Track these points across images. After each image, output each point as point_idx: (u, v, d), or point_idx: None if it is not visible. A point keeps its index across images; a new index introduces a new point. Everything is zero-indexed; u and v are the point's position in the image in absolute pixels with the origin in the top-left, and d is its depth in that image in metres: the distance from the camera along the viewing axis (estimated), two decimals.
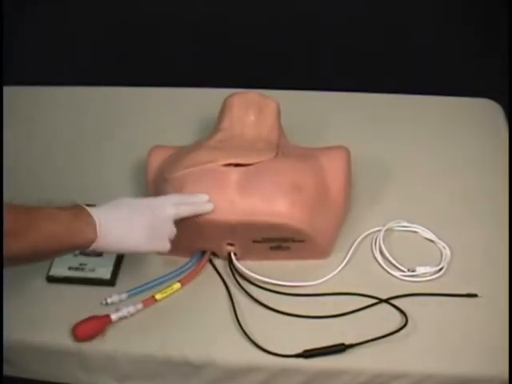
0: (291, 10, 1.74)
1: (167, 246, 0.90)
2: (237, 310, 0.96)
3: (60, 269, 1.01)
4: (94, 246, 0.83)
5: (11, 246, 0.75)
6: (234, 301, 0.97)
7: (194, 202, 0.94)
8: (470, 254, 1.03)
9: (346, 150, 1.07)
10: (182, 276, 1.00)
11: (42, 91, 1.40)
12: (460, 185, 1.15)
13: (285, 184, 0.96)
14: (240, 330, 0.93)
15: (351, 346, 0.90)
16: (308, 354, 0.90)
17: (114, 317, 0.94)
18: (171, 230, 0.90)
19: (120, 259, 1.03)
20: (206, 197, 0.95)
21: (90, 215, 0.83)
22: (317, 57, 1.78)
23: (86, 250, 0.83)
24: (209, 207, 0.94)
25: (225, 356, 0.92)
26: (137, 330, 0.94)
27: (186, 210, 0.92)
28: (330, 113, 1.31)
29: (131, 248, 0.87)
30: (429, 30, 1.72)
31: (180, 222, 0.93)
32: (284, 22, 1.75)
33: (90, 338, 0.92)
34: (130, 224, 0.86)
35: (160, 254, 0.93)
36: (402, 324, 0.93)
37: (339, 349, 0.90)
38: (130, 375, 0.95)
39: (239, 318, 0.94)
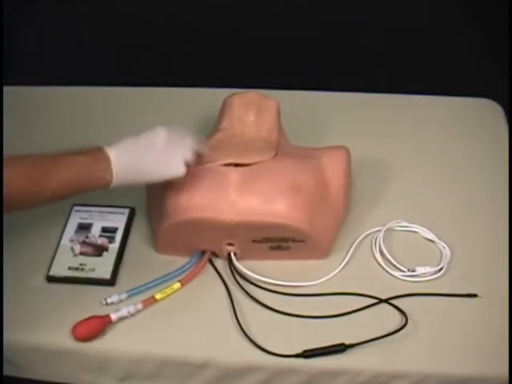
0: (291, 10, 1.74)
1: (181, 170, 0.90)
2: (237, 310, 0.96)
3: (60, 269, 1.01)
4: (112, 186, 0.87)
5: (33, 197, 0.81)
6: (234, 301, 0.97)
7: (200, 142, 0.96)
8: (470, 254, 1.03)
9: (346, 150, 1.07)
10: (181, 276, 1.00)
11: (42, 91, 1.40)
12: (460, 185, 1.15)
13: (285, 184, 0.96)
14: (240, 330, 0.93)
15: (351, 345, 0.90)
16: (308, 354, 0.90)
17: (113, 317, 0.94)
18: (188, 155, 0.91)
19: (120, 259, 1.03)
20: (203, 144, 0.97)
21: (106, 158, 0.87)
22: (317, 57, 1.78)
23: (106, 189, 0.88)
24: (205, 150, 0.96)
25: (225, 356, 0.92)
26: (137, 330, 0.94)
27: (195, 145, 0.93)
28: (330, 113, 1.31)
29: (148, 178, 0.90)
30: (429, 30, 1.72)
31: (180, 223, 0.93)
32: (284, 22, 1.75)
33: (90, 338, 0.92)
34: (145, 155, 0.89)
35: (176, 181, 0.93)
36: (402, 324, 0.93)
37: (339, 349, 0.90)
38: (130, 375, 0.95)
39: (239, 318, 0.94)
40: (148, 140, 0.91)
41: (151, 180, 0.92)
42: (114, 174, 0.87)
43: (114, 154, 0.88)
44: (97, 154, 0.88)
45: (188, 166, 0.91)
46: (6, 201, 0.77)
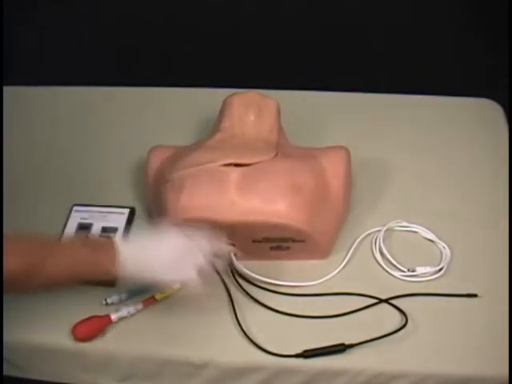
0: (291, 11, 1.74)
1: (193, 278, 0.85)
2: (237, 310, 0.96)
3: None
4: (114, 276, 0.83)
5: (28, 283, 0.76)
6: (234, 301, 0.97)
7: (217, 243, 0.91)
8: (470, 254, 1.03)
9: (346, 150, 1.07)
10: None
11: (42, 91, 1.40)
12: (460, 185, 1.15)
13: (284, 184, 0.96)
14: (240, 330, 0.93)
15: (351, 345, 0.90)
16: (308, 354, 0.90)
17: (113, 317, 0.94)
18: (200, 261, 0.86)
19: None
20: (225, 244, 0.93)
21: (111, 247, 0.83)
22: (317, 57, 1.79)
23: (110, 277, 0.84)
24: (228, 248, 0.94)
25: (225, 356, 0.92)
26: (137, 330, 0.94)
27: (210, 246, 0.89)
28: (330, 113, 1.31)
29: (154, 276, 0.85)
30: (429, 30, 1.72)
31: (180, 223, 0.93)
32: (284, 22, 1.75)
33: (90, 338, 0.92)
34: (155, 253, 0.85)
35: (188, 287, 0.87)
36: (402, 324, 0.93)
37: (339, 349, 0.90)
38: (130, 375, 0.95)
39: (239, 318, 0.94)
40: (160, 239, 0.87)
41: (158, 281, 0.87)
42: (120, 266, 0.82)
43: (123, 246, 0.83)
44: (104, 244, 0.84)
45: (201, 272, 0.86)
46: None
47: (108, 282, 0.98)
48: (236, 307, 0.96)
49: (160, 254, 0.85)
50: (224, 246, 0.92)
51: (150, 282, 0.88)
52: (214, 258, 0.89)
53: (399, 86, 1.35)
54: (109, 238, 0.85)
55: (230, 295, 0.98)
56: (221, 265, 0.92)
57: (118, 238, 0.86)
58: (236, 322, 0.94)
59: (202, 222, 0.95)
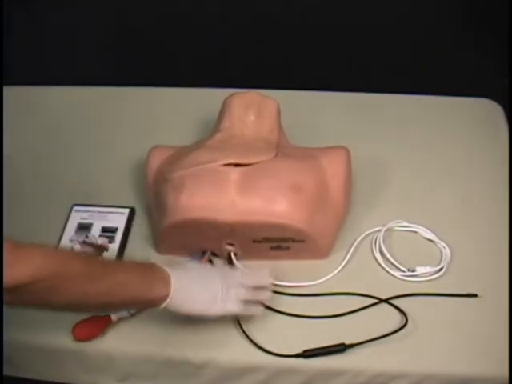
0: (291, 10, 1.74)
1: (237, 308, 0.87)
2: None
3: None
4: (166, 303, 0.83)
5: (88, 289, 0.75)
6: None
7: (258, 275, 0.93)
8: (470, 253, 1.03)
9: (346, 150, 1.07)
10: None
11: (41, 91, 1.40)
12: (460, 185, 1.15)
13: (284, 184, 0.96)
14: (240, 330, 0.93)
15: (351, 345, 0.90)
16: (308, 354, 0.90)
17: (113, 317, 0.94)
18: (239, 293, 0.88)
19: (120, 259, 1.03)
20: (266, 272, 0.93)
21: (163, 270, 0.83)
22: (317, 57, 1.79)
23: (159, 307, 0.83)
24: (269, 280, 0.93)
25: (225, 356, 0.92)
26: (137, 330, 0.94)
27: (251, 280, 0.91)
28: (329, 113, 1.31)
29: (202, 310, 0.86)
30: (429, 30, 1.72)
31: (180, 223, 0.93)
32: (284, 22, 1.75)
33: (90, 338, 0.92)
34: (201, 285, 0.86)
35: (232, 316, 0.90)
36: (402, 324, 0.93)
37: (339, 349, 0.90)
38: (130, 375, 0.95)
39: (239, 318, 0.94)
40: (204, 273, 0.89)
41: (204, 315, 0.87)
42: (172, 293, 0.82)
43: (174, 275, 0.84)
44: (157, 270, 0.84)
45: (244, 304, 0.88)
46: (62, 283, 0.73)
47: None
48: None
49: (205, 290, 0.86)
50: (265, 280, 0.92)
51: (195, 315, 0.86)
52: (256, 290, 0.90)
53: (399, 85, 1.34)
54: (156, 265, 0.85)
55: None
56: (266, 295, 0.92)
57: (168, 268, 0.85)
58: (236, 322, 0.94)
59: (201, 222, 0.95)
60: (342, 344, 0.90)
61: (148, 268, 0.84)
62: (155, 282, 0.82)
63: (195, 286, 0.85)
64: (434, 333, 0.93)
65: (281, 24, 1.75)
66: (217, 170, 0.98)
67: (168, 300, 0.83)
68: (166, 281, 0.83)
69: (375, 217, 1.09)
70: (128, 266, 0.84)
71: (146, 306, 0.87)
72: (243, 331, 0.93)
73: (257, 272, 0.94)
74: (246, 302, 0.89)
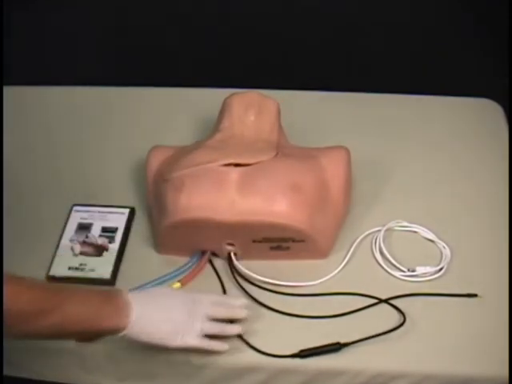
0: (291, 10, 1.74)
1: (197, 343, 0.85)
2: None
3: (60, 269, 1.01)
4: (125, 333, 0.81)
5: (39, 324, 0.74)
6: None
7: (231, 305, 0.91)
8: (470, 254, 1.03)
9: (346, 150, 1.07)
10: (181, 276, 1.00)
11: (41, 91, 1.40)
12: (460, 185, 1.15)
13: (284, 184, 0.96)
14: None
15: (346, 344, 0.90)
16: (304, 353, 0.90)
17: None
18: (204, 327, 0.86)
19: (120, 259, 1.03)
20: (242, 301, 0.92)
21: (123, 299, 0.81)
22: (317, 57, 1.78)
23: (116, 336, 0.81)
24: (243, 313, 0.91)
25: (225, 356, 0.92)
26: None
27: (222, 312, 0.89)
28: (329, 113, 1.31)
29: (162, 340, 0.83)
30: (429, 30, 1.72)
31: (180, 223, 0.93)
32: (284, 22, 1.75)
33: (90, 338, 0.92)
34: (164, 315, 0.84)
35: (192, 349, 0.87)
36: (400, 323, 0.93)
37: (334, 348, 0.90)
38: (130, 375, 0.95)
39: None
40: (170, 300, 0.86)
41: (164, 346, 0.84)
42: (132, 322, 0.81)
43: (136, 302, 0.82)
44: (115, 296, 0.82)
45: (206, 338, 0.86)
46: (6, 321, 0.70)
47: (104, 282, 0.98)
48: None
49: (168, 321, 0.84)
50: (239, 313, 0.91)
51: (156, 344, 0.84)
52: (226, 324, 0.89)
53: (399, 85, 1.34)
54: (118, 291, 0.83)
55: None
56: (236, 330, 0.90)
57: (129, 293, 0.83)
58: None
59: (201, 222, 0.95)
60: (338, 343, 0.90)
61: (106, 297, 0.81)
62: (111, 314, 0.80)
63: (158, 315, 0.83)
64: (433, 333, 0.93)
65: (281, 24, 1.75)
66: (217, 170, 0.98)
67: (126, 331, 0.81)
68: (123, 311, 0.81)
69: (375, 217, 1.09)
70: (83, 296, 0.80)
71: (103, 335, 0.84)
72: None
73: (231, 302, 0.92)
74: (212, 336, 0.87)
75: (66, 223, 1.08)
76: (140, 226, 1.10)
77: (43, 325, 0.75)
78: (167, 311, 0.84)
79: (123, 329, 0.81)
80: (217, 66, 1.77)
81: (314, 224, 0.98)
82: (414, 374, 0.90)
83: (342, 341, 0.90)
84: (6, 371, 0.94)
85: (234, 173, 0.97)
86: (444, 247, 1.03)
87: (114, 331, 0.81)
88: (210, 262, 1.03)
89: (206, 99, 1.27)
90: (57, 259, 1.02)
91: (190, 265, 1.02)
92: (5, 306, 0.70)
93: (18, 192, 1.14)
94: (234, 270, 1.00)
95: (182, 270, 1.01)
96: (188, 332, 0.84)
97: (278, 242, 0.99)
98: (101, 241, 1.05)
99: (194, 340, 0.85)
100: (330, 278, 1.00)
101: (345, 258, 1.03)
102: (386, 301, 0.97)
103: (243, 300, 0.93)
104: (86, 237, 1.06)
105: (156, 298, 0.86)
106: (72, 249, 1.04)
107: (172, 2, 1.77)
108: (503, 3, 1.56)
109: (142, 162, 1.12)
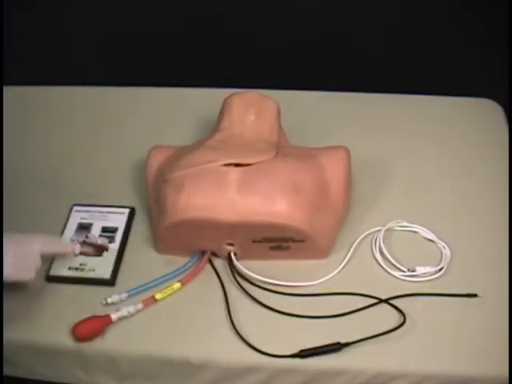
0: (291, 10, 1.73)
1: (31, 276, 0.89)
2: (237, 310, 0.96)
3: (60, 269, 1.01)
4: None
5: None
6: (231, 301, 0.97)
7: (60, 242, 1.00)
8: (470, 253, 1.03)
9: (346, 150, 1.07)
10: (181, 276, 1.00)
11: (41, 91, 1.40)
12: (460, 185, 1.15)
13: (285, 184, 0.96)
14: (234, 331, 0.93)
15: (347, 344, 0.90)
16: (304, 353, 0.90)
17: (113, 317, 0.94)
18: (36, 263, 0.90)
19: (120, 259, 1.03)
20: (68, 239, 1.02)
21: None
22: (317, 57, 1.78)
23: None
24: (75, 248, 1.01)
25: (225, 356, 0.92)
26: (137, 330, 0.94)
27: (51, 248, 0.95)
28: (329, 113, 1.31)
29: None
30: (429, 30, 1.72)
31: (180, 223, 0.93)
32: (284, 22, 1.75)
33: (90, 338, 0.93)
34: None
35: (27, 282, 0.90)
36: (400, 323, 0.93)
37: (335, 348, 0.90)
38: (129, 375, 0.95)
39: (233, 319, 0.94)
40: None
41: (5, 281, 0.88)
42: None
43: None
44: None
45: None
46: None
47: (104, 282, 0.99)
48: (234, 307, 0.96)
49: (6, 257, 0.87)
50: (63, 246, 0.99)
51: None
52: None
53: (399, 85, 1.34)
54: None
55: (225, 295, 0.98)
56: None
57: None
58: (230, 322, 0.94)
59: (201, 222, 0.95)
60: (338, 343, 0.90)
61: None
62: None
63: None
64: (433, 333, 0.93)
65: (281, 24, 1.75)
66: (217, 169, 0.98)
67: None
68: None
69: (375, 217, 1.09)
70: None
71: None
72: (236, 331, 0.93)
73: (53, 240, 0.98)
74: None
75: (66, 223, 1.08)
76: (140, 225, 1.10)
77: None
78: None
79: None
80: (217, 66, 1.77)
81: (314, 224, 0.98)
82: (413, 374, 0.90)
83: (342, 341, 0.90)
84: (6, 371, 0.94)
85: (234, 173, 0.97)
86: (444, 247, 1.03)
87: None
88: (210, 261, 1.03)
89: (205, 99, 1.27)
90: (57, 259, 1.02)
91: (189, 265, 1.02)
92: None
93: (18, 192, 1.14)
94: (233, 269, 1.00)
95: (182, 269, 1.01)
96: (22, 266, 0.88)
97: (278, 241, 0.99)
98: (101, 241, 1.05)
99: (30, 275, 0.89)
100: (330, 278, 1.00)
101: (345, 257, 1.03)
102: (386, 301, 0.97)
103: (67, 239, 1.00)
104: (86, 237, 1.06)
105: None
106: (72, 249, 1.04)
107: (172, 2, 1.76)
108: (503, 3, 1.56)
109: (142, 162, 1.12)
